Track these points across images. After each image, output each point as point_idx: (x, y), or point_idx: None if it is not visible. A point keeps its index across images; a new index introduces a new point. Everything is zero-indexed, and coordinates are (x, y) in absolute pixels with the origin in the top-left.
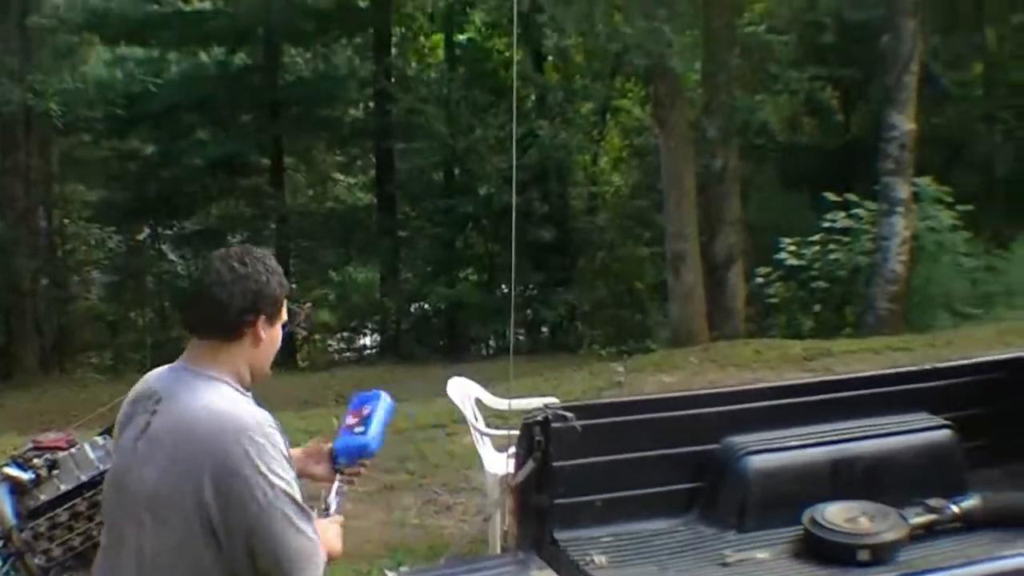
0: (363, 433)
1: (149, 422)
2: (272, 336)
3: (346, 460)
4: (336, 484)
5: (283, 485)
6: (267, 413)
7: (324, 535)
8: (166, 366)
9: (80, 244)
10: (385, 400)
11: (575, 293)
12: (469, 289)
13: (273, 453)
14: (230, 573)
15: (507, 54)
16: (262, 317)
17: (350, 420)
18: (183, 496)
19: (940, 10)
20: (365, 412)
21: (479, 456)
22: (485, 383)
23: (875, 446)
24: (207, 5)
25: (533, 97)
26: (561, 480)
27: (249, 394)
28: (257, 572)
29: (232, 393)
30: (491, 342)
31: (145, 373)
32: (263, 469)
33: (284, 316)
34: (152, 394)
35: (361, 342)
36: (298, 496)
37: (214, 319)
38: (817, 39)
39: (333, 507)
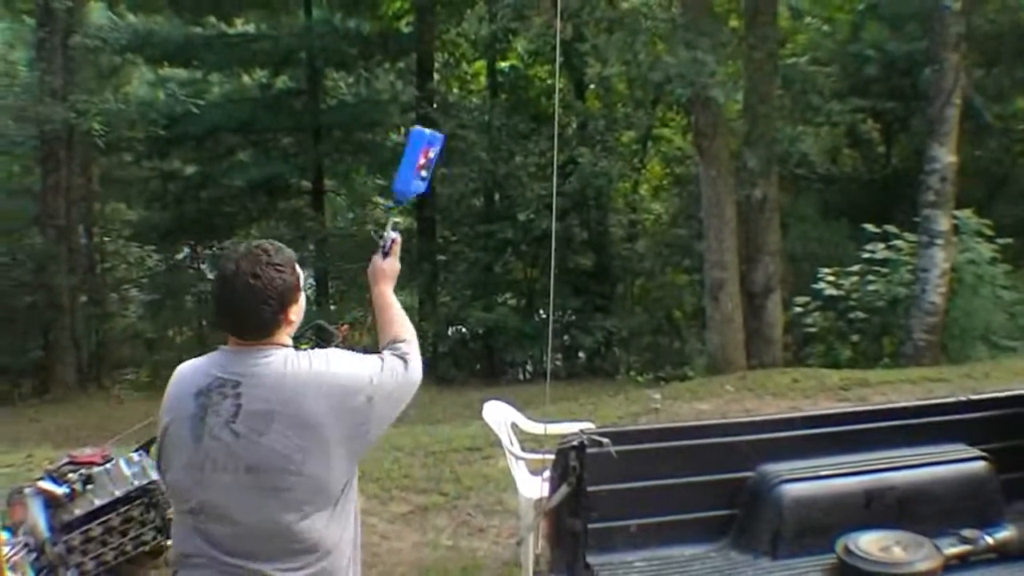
0: (425, 180)
1: (240, 404)
2: (298, 310)
3: (404, 201)
4: (392, 221)
5: (376, 371)
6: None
7: (392, 267)
8: (205, 358)
9: (119, 262)
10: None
11: (613, 319)
12: (507, 314)
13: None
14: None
15: (549, 82)
16: (289, 307)
17: (421, 160)
18: (318, 440)
19: (983, 44)
20: (431, 155)
21: (513, 479)
22: (521, 407)
23: (910, 476)
24: (250, 28)
25: (574, 125)
26: (595, 505)
27: None
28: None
29: (294, 351)
30: (528, 366)
31: None
32: (366, 375)
33: (302, 285)
34: (225, 381)
35: None
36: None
37: (252, 329)
38: (860, 71)
39: (390, 240)
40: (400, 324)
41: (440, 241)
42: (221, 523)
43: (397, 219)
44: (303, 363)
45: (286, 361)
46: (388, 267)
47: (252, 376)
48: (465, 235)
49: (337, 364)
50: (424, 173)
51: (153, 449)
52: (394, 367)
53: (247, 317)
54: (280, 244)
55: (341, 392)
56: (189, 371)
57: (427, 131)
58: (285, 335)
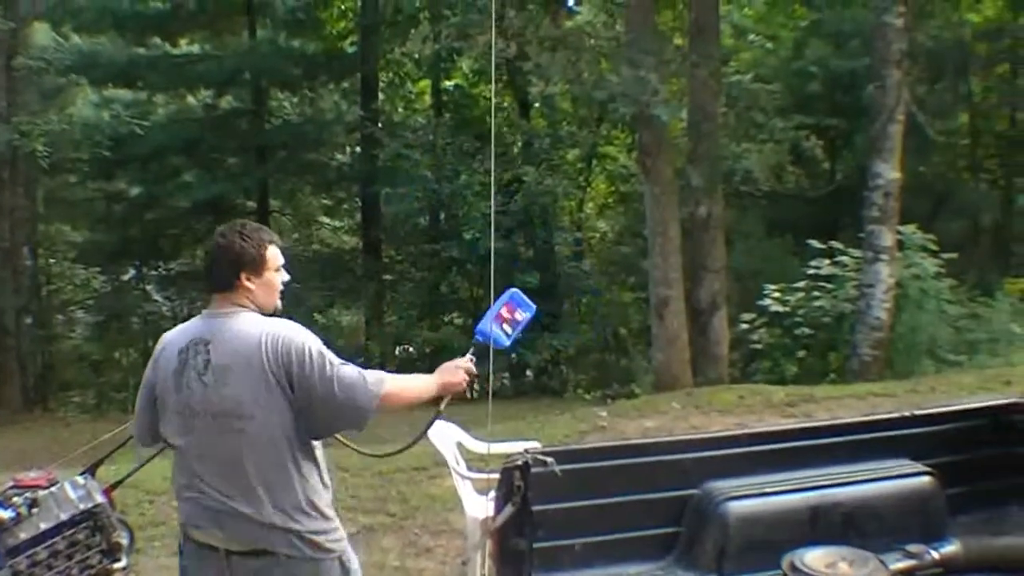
0: (508, 336)
1: (208, 359)
2: (264, 282)
3: (482, 343)
4: (469, 355)
5: (328, 355)
6: (286, 324)
7: (449, 369)
8: (187, 323)
9: (65, 284)
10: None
11: (560, 337)
12: (454, 333)
13: (305, 336)
14: (307, 430)
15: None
16: (243, 274)
17: (504, 313)
18: (266, 391)
19: (926, 60)
20: (518, 317)
21: (460, 499)
22: (469, 426)
23: (855, 492)
24: (195, 49)
25: (519, 143)
26: (540, 524)
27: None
28: (326, 418)
29: (259, 316)
30: (476, 385)
31: (128, 413)
32: (315, 349)
33: (271, 265)
34: (199, 340)
35: None
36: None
37: (214, 278)
38: (803, 88)
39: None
40: (397, 375)
41: (386, 260)
42: (201, 462)
43: (473, 357)
44: (262, 325)
45: (246, 322)
46: (446, 365)
47: (219, 334)
48: (411, 254)
49: (289, 330)
50: (508, 329)
51: (139, 399)
52: (347, 367)
53: (210, 271)
54: (264, 227)
55: (286, 354)
56: (174, 334)
57: (523, 296)
58: (246, 299)
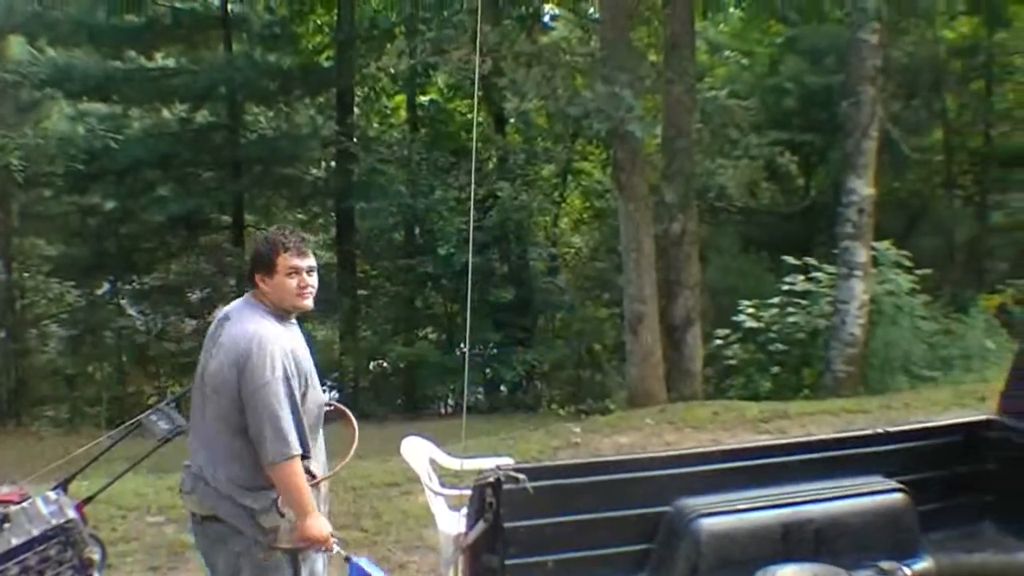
0: None
1: (220, 333)
2: (276, 283)
3: None
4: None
5: (269, 376)
6: (271, 334)
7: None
8: (241, 298)
9: (39, 298)
10: None
11: (534, 353)
12: (428, 348)
13: (270, 355)
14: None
15: (469, 116)
16: (256, 275)
17: None
18: (228, 378)
19: (900, 77)
20: None
21: (433, 515)
22: (443, 441)
23: (828, 508)
24: (170, 62)
25: (494, 159)
26: (512, 541)
27: (287, 315)
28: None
29: (263, 316)
30: (449, 401)
31: (101, 428)
32: (264, 364)
33: (285, 267)
34: (226, 316)
35: None
36: (281, 388)
37: (246, 275)
38: (778, 104)
39: None
40: (302, 483)
41: (360, 275)
42: (194, 428)
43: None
44: (257, 325)
45: (253, 317)
46: (324, 528)
47: (235, 317)
48: (385, 269)
49: (267, 342)
50: None
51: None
52: (280, 409)
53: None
54: (289, 231)
55: (235, 355)
56: (228, 306)
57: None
58: (264, 297)
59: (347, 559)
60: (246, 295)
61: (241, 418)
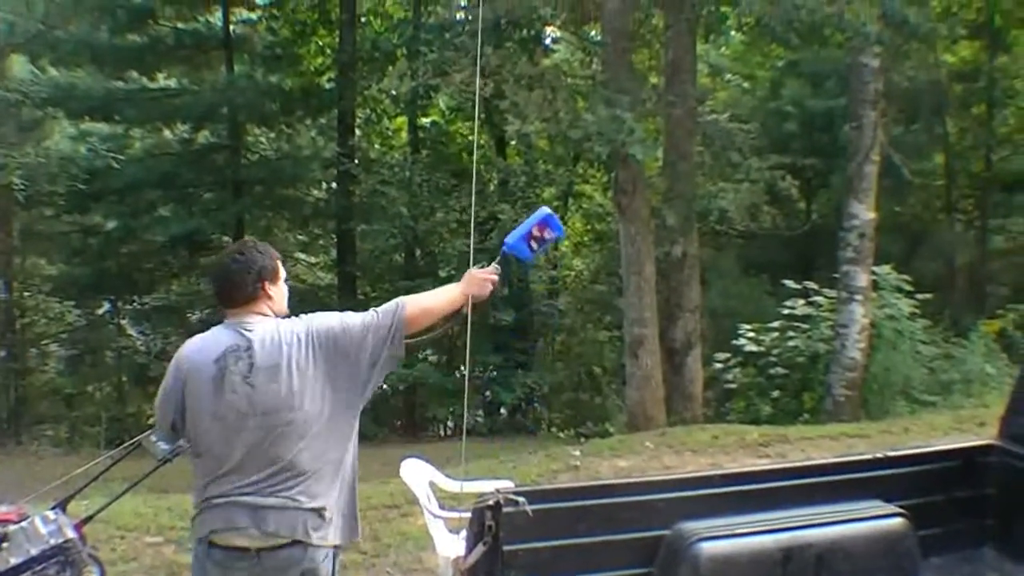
0: (533, 252)
1: (252, 363)
2: (279, 289)
3: (508, 253)
4: (494, 265)
5: (349, 316)
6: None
7: (475, 274)
8: (209, 335)
9: (39, 317)
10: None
11: (534, 375)
12: (428, 370)
13: (323, 314)
14: (359, 395)
15: (470, 138)
16: (265, 283)
17: (535, 232)
18: (316, 379)
19: (901, 101)
20: (547, 236)
21: (432, 538)
22: (442, 463)
23: (828, 533)
24: (172, 83)
25: (495, 181)
26: (511, 564)
27: None
28: (377, 355)
29: (281, 319)
30: (449, 423)
31: (101, 447)
32: (336, 319)
33: (282, 274)
34: (236, 347)
35: None
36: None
37: (240, 295)
38: (780, 128)
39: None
40: (417, 295)
41: (361, 297)
42: (248, 461)
43: (498, 268)
44: (291, 324)
45: (279, 325)
46: (472, 272)
47: (258, 339)
48: (386, 291)
49: (313, 319)
50: (535, 246)
51: (157, 415)
52: (367, 312)
53: (236, 286)
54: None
55: (317, 338)
56: (200, 344)
57: (556, 218)
58: (267, 307)
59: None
60: (240, 317)
61: (342, 415)
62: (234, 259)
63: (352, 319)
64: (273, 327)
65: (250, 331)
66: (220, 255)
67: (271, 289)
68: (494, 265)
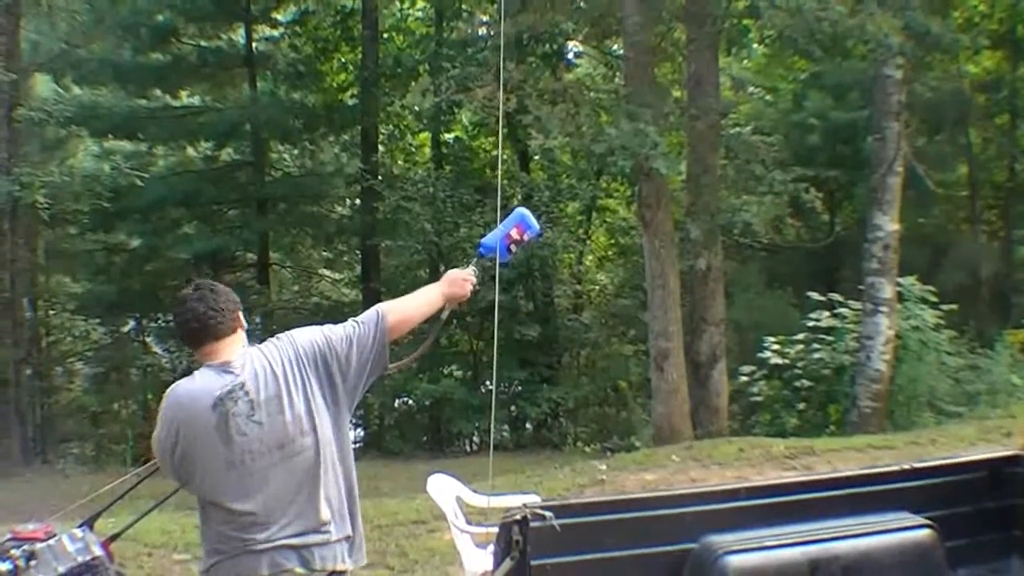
0: (512, 253)
1: (252, 400)
2: (243, 322)
3: (484, 254)
4: (472, 267)
5: (332, 328)
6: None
7: (454, 274)
8: (195, 380)
9: (65, 335)
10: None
11: (559, 390)
12: (453, 385)
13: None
14: (349, 407)
15: (493, 153)
16: (239, 315)
17: (514, 235)
18: (315, 397)
19: (925, 112)
20: (525, 239)
21: (458, 553)
22: (469, 479)
23: (855, 545)
24: (195, 100)
25: (519, 196)
26: None
27: None
28: (363, 367)
29: (260, 345)
30: (475, 438)
31: (127, 465)
32: (319, 335)
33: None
34: (232, 388)
35: None
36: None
37: (218, 328)
38: (803, 140)
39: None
40: (396, 300)
41: None
42: (268, 507)
43: (476, 270)
44: (272, 349)
45: (264, 353)
46: (451, 274)
47: (250, 375)
48: None
49: (296, 337)
50: (513, 248)
51: (165, 463)
52: (346, 323)
53: (212, 318)
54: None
55: (306, 357)
56: (189, 393)
57: (531, 217)
58: (241, 338)
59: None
60: (222, 356)
61: (342, 425)
62: (201, 298)
63: (335, 333)
64: (260, 357)
65: (239, 368)
66: (183, 300)
67: (241, 317)
68: (472, 267)
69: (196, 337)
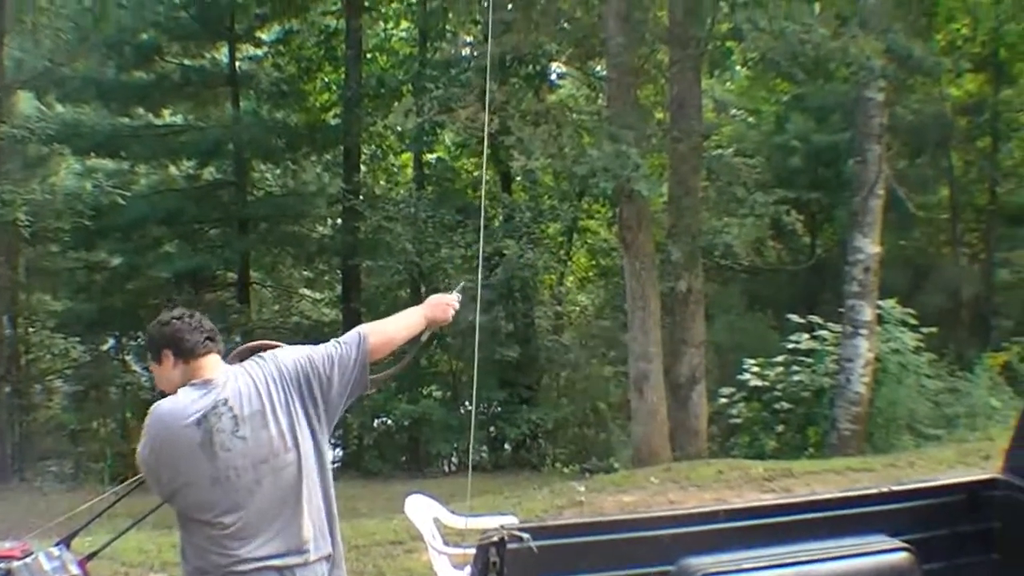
0: None
1: (236, 415)
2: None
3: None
4: (456, 292)
5: (313, 349)
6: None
7: (438, 299)
8: (177, 399)
9: (44, 353)
10: None
11: (539, 411)
12: (433, 406)
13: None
14: (329, 427)
15: (475, 174)
16: (216, 337)
17: None
18: (298, 416)
19: (906, 135)
20: None
21: (435, 574)
22: (447, 499)
23: (833, 568)
24: (178, 119)
25: (500, 217)
26: None
27: None
28: (344, 388)
29: (243, 364)
30: (454, 459)
31: (105, 483)
32: (303, 355)
33: None
34: (216, 404)
35: None
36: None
37: (199, 347)
38: (785, 162)
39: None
40: (378, 322)
41: None
42: (251, 525)
43: (460, 295)
44: (256, 368)
45: (247, 371)
46: (434, 298)
47: (232, 392)
48: None
49: (279, 357)
50: None
51: (151, 480)
52: (328, 343)
53: (196, 330)
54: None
55: (289, 376)
56: (172, 410)
57: None
58: (217, 356)
59: None
60: (205, 374)
61: (323, 444)
62: (183, 320)
63: (317, 353)
64: (243, 374)
65: (221, 385)
66: (164, 314)
67: (220, 343)
68: (456, 292)
69: (180, 347)
